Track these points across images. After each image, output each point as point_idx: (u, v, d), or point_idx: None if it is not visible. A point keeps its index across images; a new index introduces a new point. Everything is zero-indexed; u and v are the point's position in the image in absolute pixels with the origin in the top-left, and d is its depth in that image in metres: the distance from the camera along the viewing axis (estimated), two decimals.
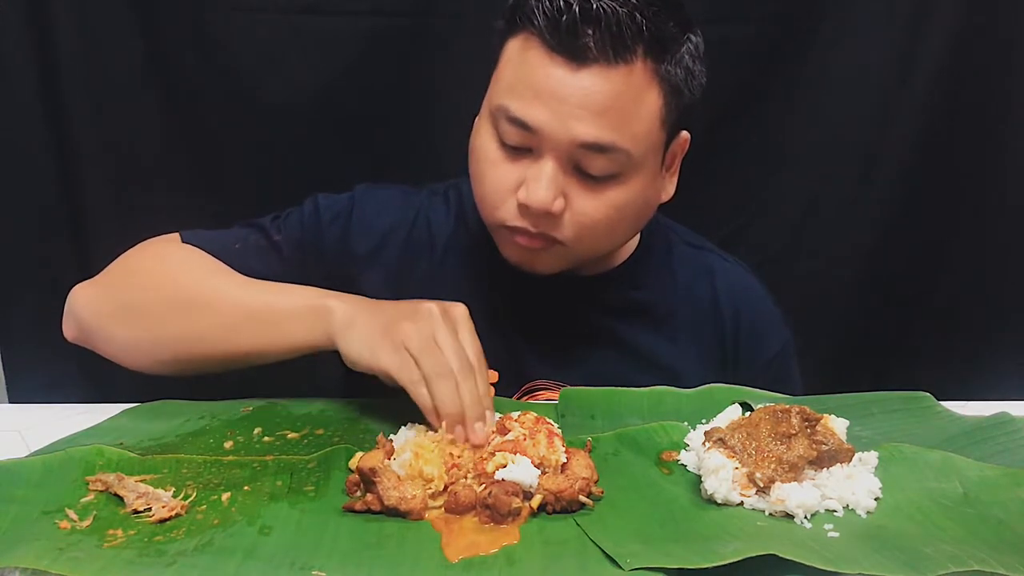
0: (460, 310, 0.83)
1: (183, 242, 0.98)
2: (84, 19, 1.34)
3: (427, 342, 0.79)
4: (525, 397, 1.00)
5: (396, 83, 1.40)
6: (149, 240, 0.99)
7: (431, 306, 0.82)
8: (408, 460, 0.74)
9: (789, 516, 0.71)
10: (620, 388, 0.94)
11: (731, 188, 1.49)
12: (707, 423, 0.83)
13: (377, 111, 1.41)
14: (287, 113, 1.40)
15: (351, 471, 0.77)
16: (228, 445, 0.83)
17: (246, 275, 0.94)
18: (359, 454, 0.77)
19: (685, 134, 0.94)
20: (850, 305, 1.54)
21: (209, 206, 1.43)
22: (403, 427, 0.82)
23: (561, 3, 0.83)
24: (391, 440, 0.80)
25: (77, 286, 0.96)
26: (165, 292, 0.93)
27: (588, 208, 0.89)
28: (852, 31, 1.40)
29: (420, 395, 0.79)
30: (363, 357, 0.82)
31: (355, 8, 1.36)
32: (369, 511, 0.71)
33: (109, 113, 1.39)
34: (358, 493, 0.74)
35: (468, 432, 0.78)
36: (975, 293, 1.52)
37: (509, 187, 0.89)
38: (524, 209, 0.88)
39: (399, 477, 0.73)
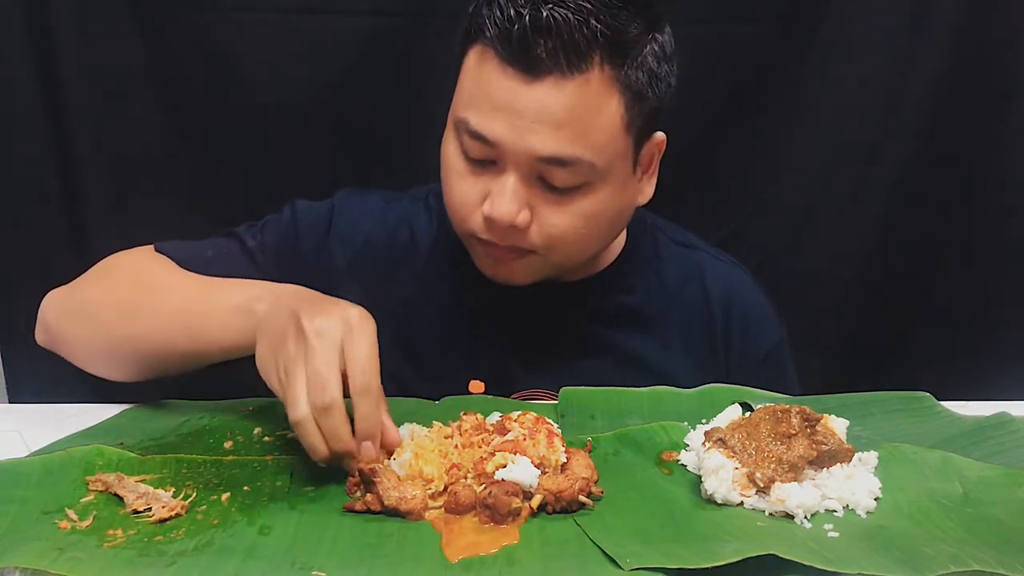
0: (355, 313, 0.75)
1: (156, 251, 0.97)
2: (84, 19, 1.34)
3: (296, 371, 0.72)
4: None
5: (396, 83, 1.40)
6: (122, 251, 0.99)
7: (314, 324, 0.73)
8: (408, 460, 0.74)
9: (789, 516, 0.71)
10: (620, 388, 0.94)
11: (731, 188, 1.49)
12: (707, 423, 0.83)
13: (377, 111, 1.41)
14: (287, 113, 1.39)
15: None
16: (228, 445, 0.83)
17: None
18: None
19: (660, 135, 0.92)
20: (850, 305, 1.54)
21: (209, 206, 1.43)
22: (402, 427, 0.82)
23: (512, 13, 0.81)
24: None
25: (49, 292, 0.97)
26: (117, 294, 0.93)
27: (555, 219, 0.88)
28: (852, 31, 1.40)
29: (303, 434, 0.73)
30: (263, 377, 0.78)
31: (355, 8, 1.36)
32: (369, 511, 0.71)
33: (109, 113, 1.39)
34: (358, 493, 0.74)
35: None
36: (975, 293, 1.51)
37: (475, 200, 0.88)
38: (489, 222, 0.87)
39: (399, 477, 0.73)
